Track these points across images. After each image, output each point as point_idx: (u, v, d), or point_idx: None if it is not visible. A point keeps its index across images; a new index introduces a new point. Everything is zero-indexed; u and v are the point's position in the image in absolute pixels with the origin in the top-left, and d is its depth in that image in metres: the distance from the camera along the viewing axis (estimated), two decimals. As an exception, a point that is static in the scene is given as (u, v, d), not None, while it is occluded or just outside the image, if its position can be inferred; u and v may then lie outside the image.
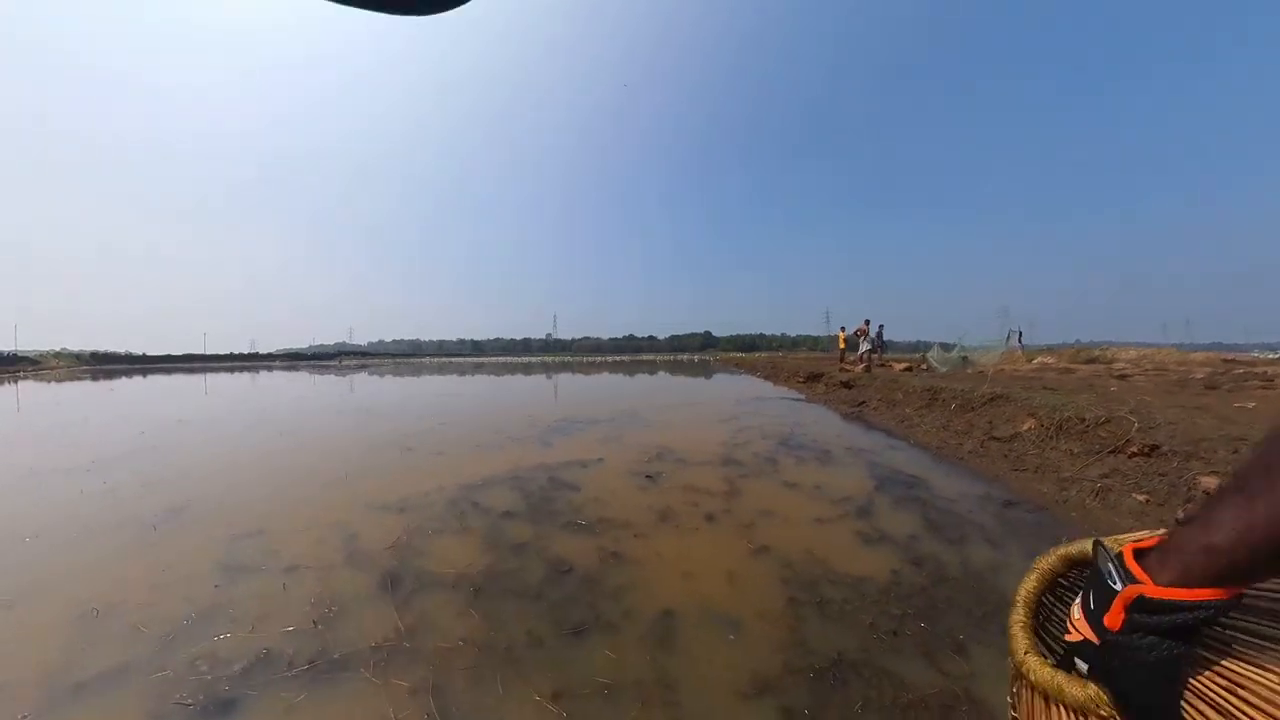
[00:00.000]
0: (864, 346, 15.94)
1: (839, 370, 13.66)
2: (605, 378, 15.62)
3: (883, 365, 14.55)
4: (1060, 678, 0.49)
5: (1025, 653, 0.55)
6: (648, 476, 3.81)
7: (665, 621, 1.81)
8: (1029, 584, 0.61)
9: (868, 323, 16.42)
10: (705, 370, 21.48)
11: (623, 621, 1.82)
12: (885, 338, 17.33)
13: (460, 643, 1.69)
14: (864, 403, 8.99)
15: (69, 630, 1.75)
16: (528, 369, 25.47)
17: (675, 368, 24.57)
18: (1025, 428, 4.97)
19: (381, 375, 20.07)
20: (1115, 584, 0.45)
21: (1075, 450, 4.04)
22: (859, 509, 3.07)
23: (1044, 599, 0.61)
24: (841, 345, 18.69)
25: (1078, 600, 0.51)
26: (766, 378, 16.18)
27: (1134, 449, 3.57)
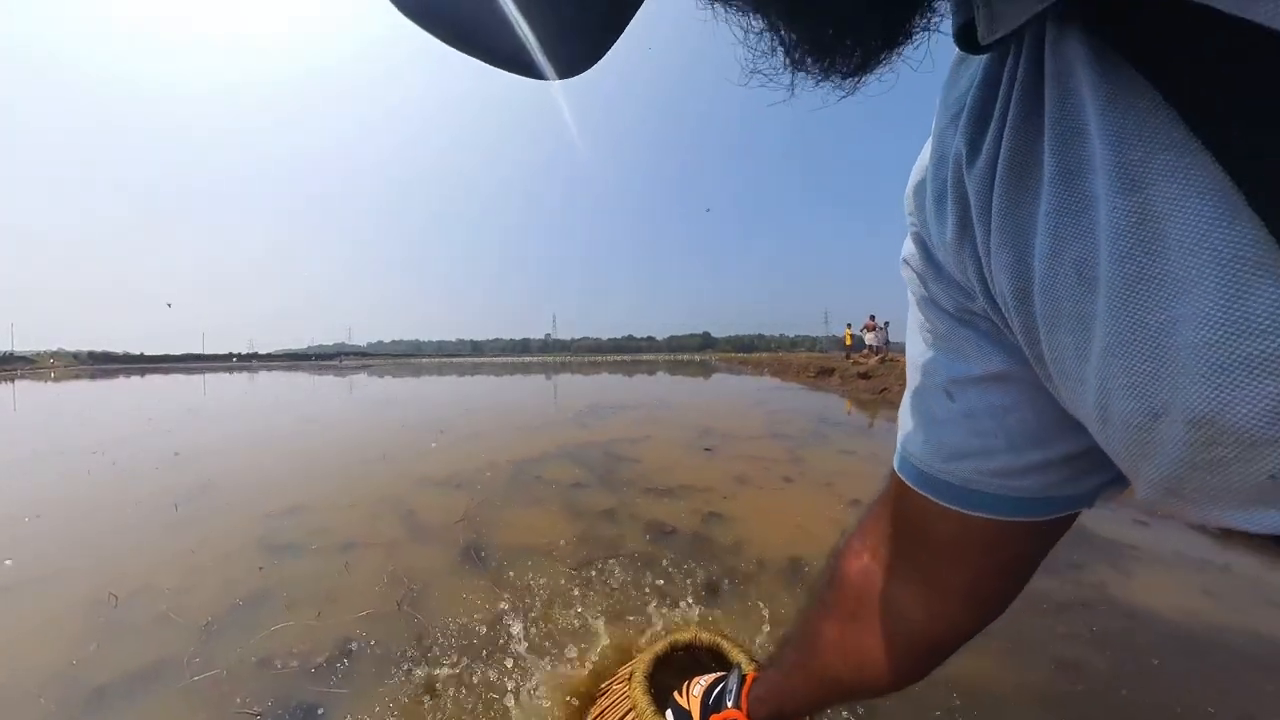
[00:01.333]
0: (871, 341, 15.82)
1: (851, 364, 13.39)
2: (613, 378, 15.24)
3: (892, 360, 14.31)
4: (651, 708, 0.76)
5: (643, 675, 0.84)
6: (706, 449, 3.59)
7: (798, 567, 1.75)
8: (674, 638, 0.96)
9: (873, 318, 16.32)
10: (710, 370, 21.22)
11: (757, 572, 1.70)
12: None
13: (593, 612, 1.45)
14: (885, 389, 8.79)
15: (79, 620, 1.40)
16: (530, 369, 25.08)
17: (678, 368, 24.25)
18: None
19: (382, 376, 19.62)
20: (728, 702, 0.63)
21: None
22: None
23: (676, 650, 0.95)
24: (848, 342, 18.59)
25: (706, 682, 0.72)
26: (775, 374, 15.92)
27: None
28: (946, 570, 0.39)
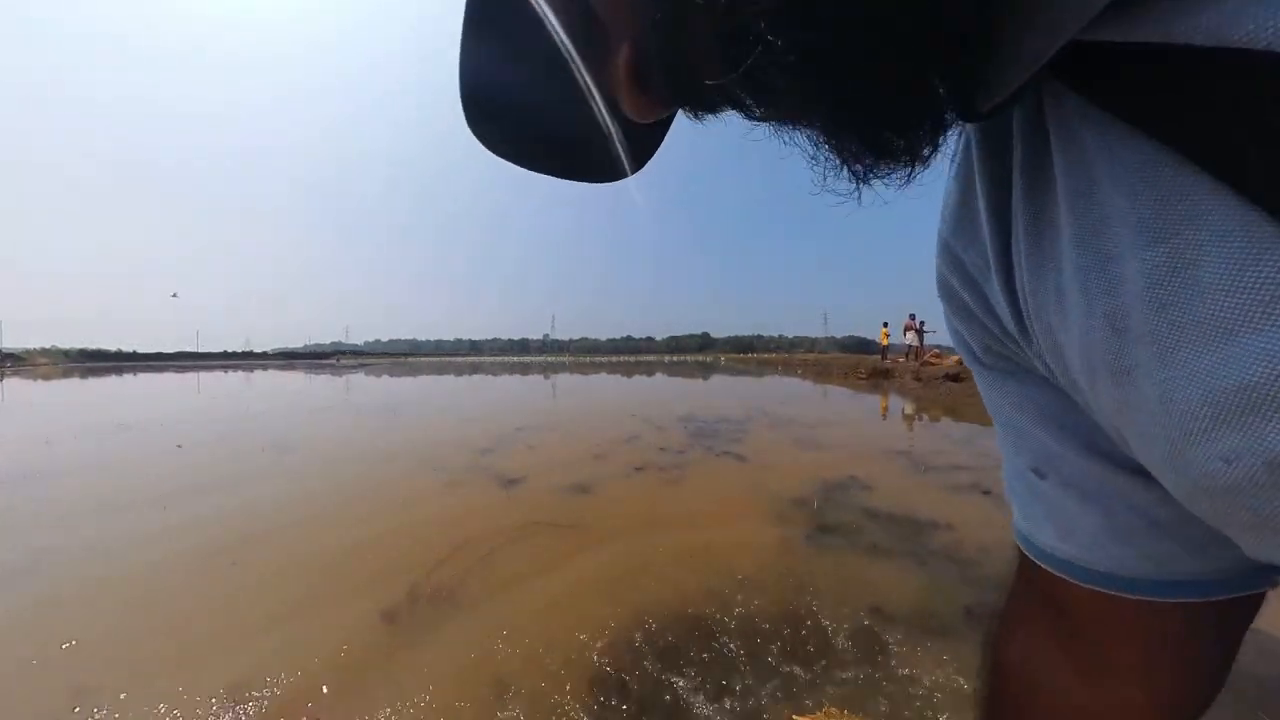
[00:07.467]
0: (911, 341, 15.23)
1: (921, 366, 12.33)
2: (628, 384, 13.82)
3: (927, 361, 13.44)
4: None
5: None
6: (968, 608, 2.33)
7: None
8: None
9: (913, 317, 15.83)
10: (732, 371, 20.09)
11: None
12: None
13: None
14: (998, 399, 7.70)
15: None
16: (530, 369, 23.87)
17: (683, 368, 22.86)
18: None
19: (379, 376, 18.60)
20: None
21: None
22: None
23: None
24: (884, 342, 18.00)
25: None
26: (816, 377, 15.02)
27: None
28: (1108, 654, 0.35)
